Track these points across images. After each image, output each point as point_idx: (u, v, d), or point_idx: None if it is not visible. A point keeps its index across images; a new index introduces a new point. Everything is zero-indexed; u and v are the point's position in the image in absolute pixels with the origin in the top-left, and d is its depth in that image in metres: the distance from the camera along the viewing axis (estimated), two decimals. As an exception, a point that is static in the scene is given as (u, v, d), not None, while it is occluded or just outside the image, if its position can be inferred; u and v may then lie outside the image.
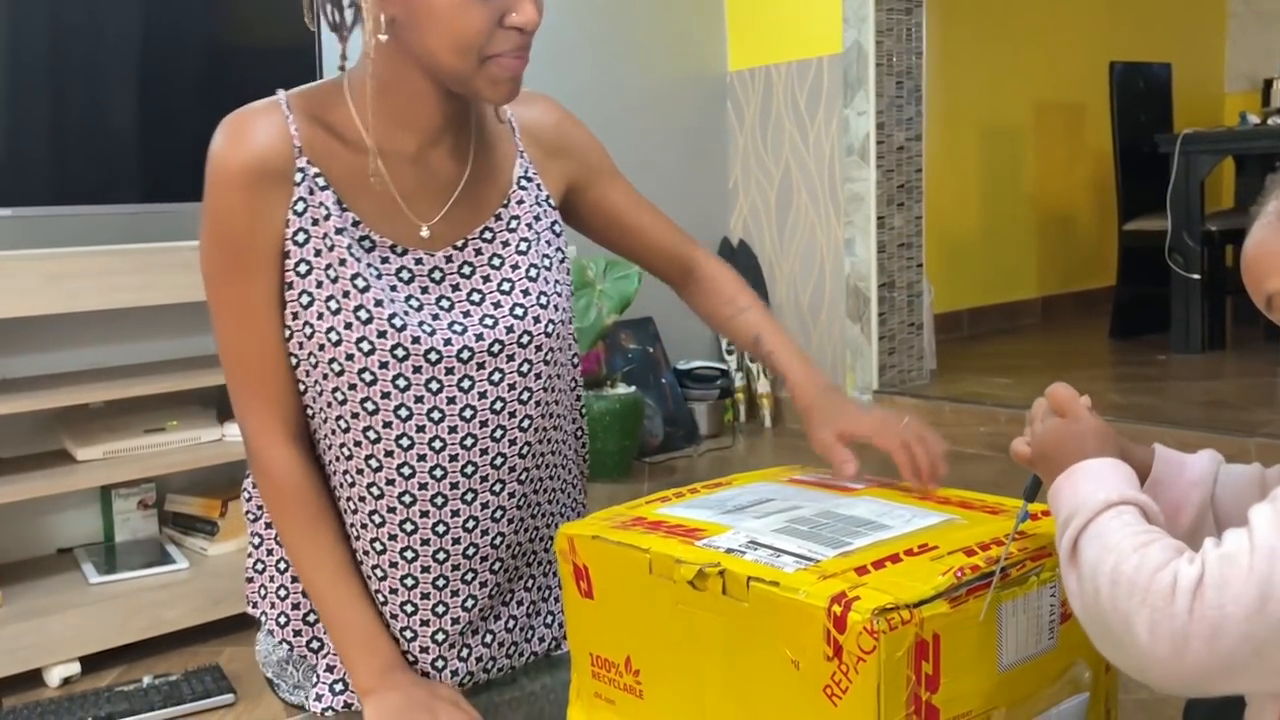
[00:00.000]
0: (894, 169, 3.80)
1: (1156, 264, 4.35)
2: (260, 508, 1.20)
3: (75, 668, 2.10)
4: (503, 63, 1.03)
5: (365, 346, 1.05)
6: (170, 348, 2.56)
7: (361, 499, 1.12)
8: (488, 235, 1.15)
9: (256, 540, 1.21)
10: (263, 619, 1.21)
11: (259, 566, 1.21)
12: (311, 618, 1.19)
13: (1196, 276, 4.23)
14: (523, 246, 1.15)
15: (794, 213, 3.99)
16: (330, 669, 1.17)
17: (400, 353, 1.06)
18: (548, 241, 1.18)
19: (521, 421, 1.14)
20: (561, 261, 1.20)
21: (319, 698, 1.16)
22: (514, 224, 1.16)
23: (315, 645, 1.19)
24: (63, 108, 2.25)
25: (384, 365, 1.06)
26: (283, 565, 1.19)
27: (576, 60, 3.52)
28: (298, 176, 1.07)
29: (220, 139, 1.08)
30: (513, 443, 1.13)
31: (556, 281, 1.17)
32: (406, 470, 1.10)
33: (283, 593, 1.20)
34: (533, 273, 1.15)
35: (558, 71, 2.85)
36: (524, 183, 1.18)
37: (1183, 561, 0.70)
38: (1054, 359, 4.56)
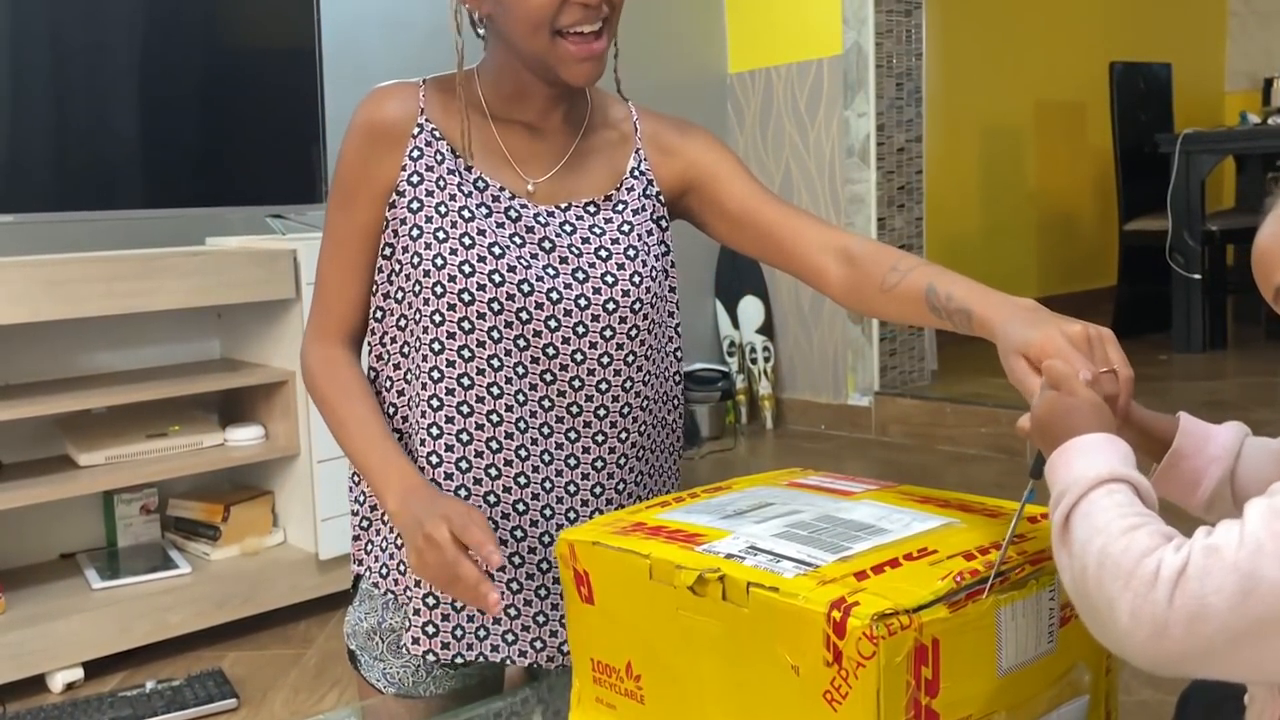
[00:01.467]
0: (894, 170, 3.81)
1: (1157, 264, 4.35)
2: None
3: (78, 673, 2.10)
4: (573, 41, 1.13)
5: (466, 269, 1.17)
6: (172, 353, 2.56)
7: (449, 419, 1.18)
8: (592, 209, 1.25)
9: (363, 499, 1.29)
10: (366, 573, 1.27)
11: (364, 524, 1.29)
12: (403, 568, 1.23)
13: (1197, 276, 4.23)
14: (625, 228, 1.25)
15: (795, 214, 3.99)
16: (417, 612, 1.20)
17: (497, 278, 1.17)
18: (649, 231, 1.26)
19: (599, 383, 1.21)
20: (665, 254, 1.28)
21: (415, 640, 1.20)
22: (620, 208, 1.26)
23: (408, 595, 1.23)
24: (64, 114, 2.26)
25: (481, 288, 1.16)
26: (387, 517, 1.25)
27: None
28: (415, 130, 1.22)
29: (360, 102, 1.25)
30: (589, 399, 1.22)
31: (652, 268, 1.25)
32: (496, 390, 1.18)
33: (384, 544, 1.26)
34: (630, 252, 1.24)
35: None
36: (636, 174, 1.28)
37: (1169, 549, 0.70)
38: (1055, 359, 4.56)
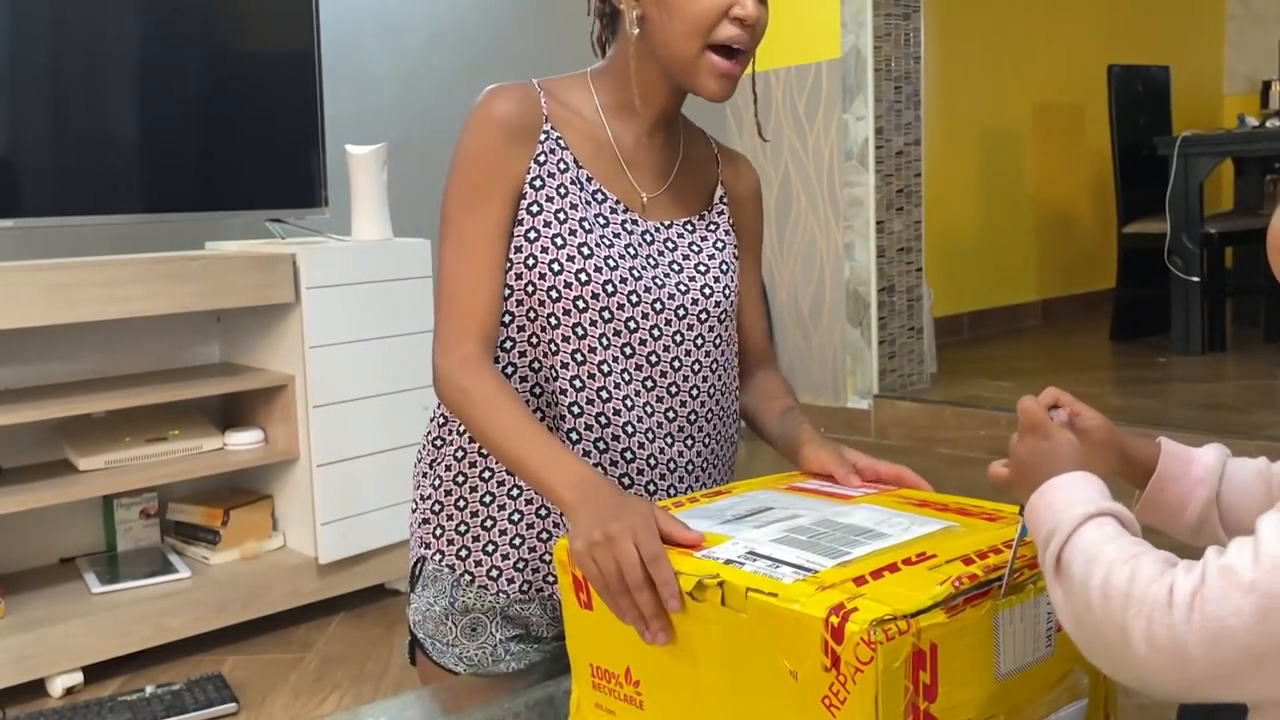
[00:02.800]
0: (893, 173, 3.81)
1: (1156, 266, 4.35)
2: (433, 459, 1.30)
3: (78, 677, 2.10)
4: (720, 58, 1.19)
5: (583, 277, 1.21)
6: (172, 357, 2.56)
7: (561, 418, 1.23)
8: (691, 227, 1.32)
9: (437, 482, 1.29)
10: (437, 556, 1.29)
11: (435, 507, 1.29)
12: (490, 548, 1.26)
13: (1196, 279, 4.23)
14: (719, 245, 1.34)
15: (794, 217, 4.00)
16: (511, 581, 1.25)
17: (610, 288, 1.22)
18: (732, 256, 1.35)
19: (692, 389, 1.28)
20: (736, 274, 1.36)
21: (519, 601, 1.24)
22: (713, 228, 1.34)
23: (494, 574, 1.26)
24: (63, 118, 2.26)
25: (595, 296, 1.21)
26: (462, 503, 1.27)
27: (575, 67, 3.52)
28: (542, 136, 1.24)
29: (485, 97, 1.24)
30: (683, 404, 1.27)
31: (730, 286, 1.33)
32: (605, 394, 1.22)
33: (462, 526, 1.27)
34: (724, 267, 1.32)
35: (557, 79, 2.85)
36: (721, 204, 1.37)
37: (1179, 572, 0.69)
38: (1055, 362, 4.57)
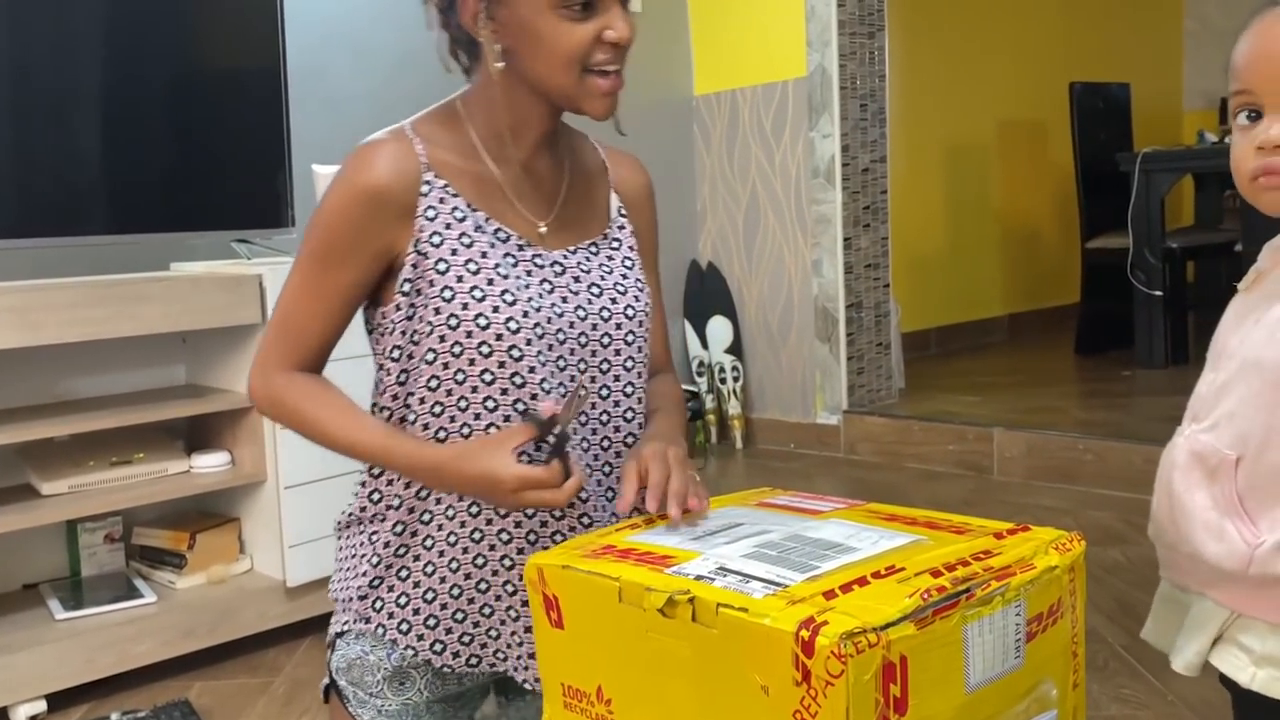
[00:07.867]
0: (859, 190, 3.84)
1: (1119, 281, 4.41)
2: (371, 529, 1.25)
3: (41, 706, 2.07)
4: (600, 79, 1.18)
5: (513, 325, 1.17)
6: (137, 379, 2.54)
7: None
8: (594, 249, 1.29)
9: (375, 559, 1.24)
10: (380, 631, 1.24)
11: (375, 582, 1.24)
12: (432, 622, 1.22)
13: (1159, 293, 4.28)
14: (627, 264, 1.31)
15: (762, 235, 4.02)
16: (440, 642, 1.23)
17: (539, 330, 1.18)
18: (640, 271, 1.33)
19: (626, 413, 1.27)
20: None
21: (438, 652, 1.22)
22: (616, 245, 1.31)
23: (438, 649, 1.23)
24: (27, 138, 2.23)
25: (529, 342, 1.17)
26: (404, 574, 1.23)
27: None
28: (424, 189, 1.19)
29: (350, 163, 1.20)
30: (616, 430, 1.27)
31: (648, 302, 1.31)
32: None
33: (402, 599, 1.23)
34: (638, 285, 1.30)
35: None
36: (620, 216, 1.34)
37: None
38: (1021, 376, 4.61)
